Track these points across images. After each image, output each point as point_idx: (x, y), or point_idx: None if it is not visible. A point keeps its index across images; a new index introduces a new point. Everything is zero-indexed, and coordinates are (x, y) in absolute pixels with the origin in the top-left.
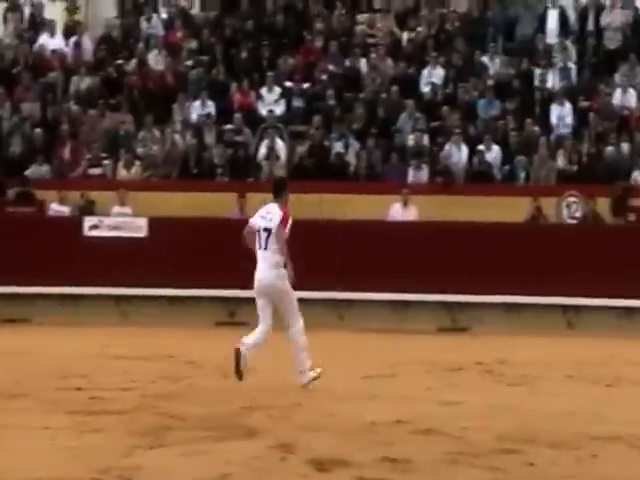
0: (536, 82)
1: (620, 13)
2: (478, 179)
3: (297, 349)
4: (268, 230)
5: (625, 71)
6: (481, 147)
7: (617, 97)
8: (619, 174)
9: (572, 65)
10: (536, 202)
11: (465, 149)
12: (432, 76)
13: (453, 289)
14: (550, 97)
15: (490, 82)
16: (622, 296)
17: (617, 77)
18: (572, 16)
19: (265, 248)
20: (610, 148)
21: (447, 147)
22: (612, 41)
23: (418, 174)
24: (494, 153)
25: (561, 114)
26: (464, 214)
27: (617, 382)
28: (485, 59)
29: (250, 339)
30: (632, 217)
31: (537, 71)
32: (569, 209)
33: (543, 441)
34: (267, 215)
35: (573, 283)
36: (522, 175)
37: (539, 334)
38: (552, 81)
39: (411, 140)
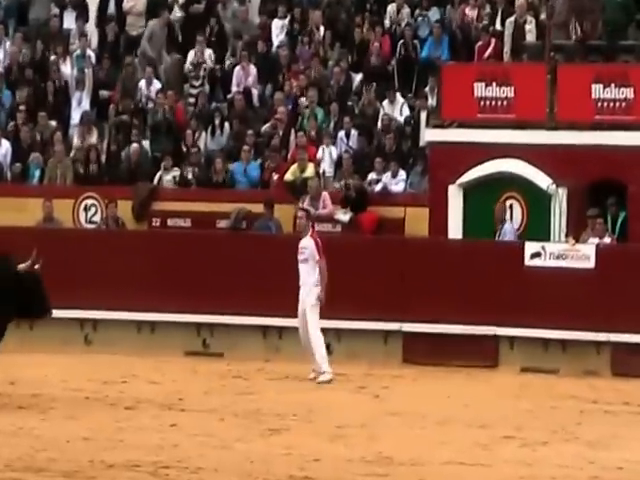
0: (51, 70)
1: None
2: None
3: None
4: None
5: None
6: None
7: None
8: (142, 174)
9: (91, 53)
10: (49, 203)
11: None
12: None
13: None
14: (67, 87)
15: None
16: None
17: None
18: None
19: None
20: (134, 146)
21: None
22: (134, 27)
23: None
24: (4, 149)
25: (78, 106)
26: None
27: (137, 404)
28: None
29: None
30: (156, 222)
31: (52, 58)
32: (87, 212)
33: (56, 470)
34: None
35: (93, 295)
36: (36, 174)
37: (54, 351)
38: (69, 69)
39: None
